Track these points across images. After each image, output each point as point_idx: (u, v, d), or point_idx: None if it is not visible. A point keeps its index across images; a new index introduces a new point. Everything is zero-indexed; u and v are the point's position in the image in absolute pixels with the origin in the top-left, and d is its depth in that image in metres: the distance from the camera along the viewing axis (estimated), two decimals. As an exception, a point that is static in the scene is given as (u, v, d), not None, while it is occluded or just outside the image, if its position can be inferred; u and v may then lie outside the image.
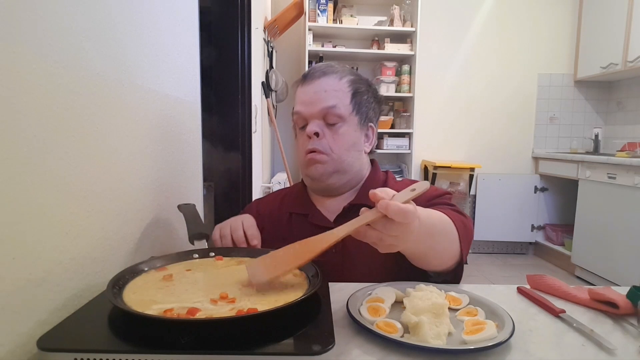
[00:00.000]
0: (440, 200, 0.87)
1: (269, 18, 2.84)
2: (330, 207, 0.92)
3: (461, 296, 0.66)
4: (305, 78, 0.89)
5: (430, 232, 0.68)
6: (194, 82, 1.11)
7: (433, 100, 3.59)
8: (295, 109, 0.89)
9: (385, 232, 0.54)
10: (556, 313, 0.63)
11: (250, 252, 0.73)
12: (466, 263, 0.81)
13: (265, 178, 2.77)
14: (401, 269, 0.79)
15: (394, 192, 0.55)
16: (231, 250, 0.73)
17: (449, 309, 0.61)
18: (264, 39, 2.53)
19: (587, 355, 0.53)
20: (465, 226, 0.78)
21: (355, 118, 0.87)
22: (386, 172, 0.98)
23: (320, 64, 0.93)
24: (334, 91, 0.85)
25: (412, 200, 0.55)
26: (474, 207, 3.63)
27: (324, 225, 0.87)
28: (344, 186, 0.91)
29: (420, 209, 0.65)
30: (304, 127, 0.88)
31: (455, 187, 3.54)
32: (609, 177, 2.76)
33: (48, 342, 0.42)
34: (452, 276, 0.79)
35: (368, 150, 0.93)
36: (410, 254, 0.73)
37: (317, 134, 0.84)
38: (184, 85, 1.02)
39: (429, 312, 0.57)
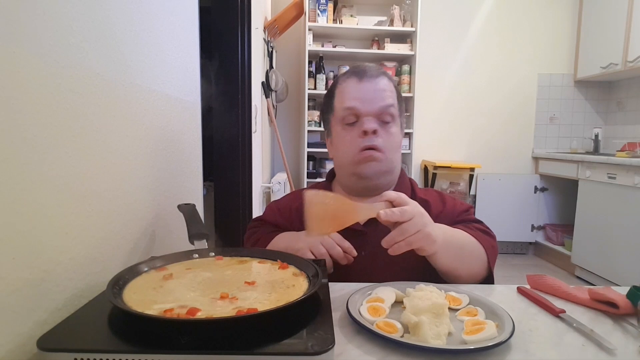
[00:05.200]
0: (466, 216, 0.91)
1: (269, 18, 2.84)
2: None
3: (461, 296, 0.66)
4: (363, 75, 0.88)
5: (459, 245, 0.77)
6: (194, 82, 1.11)
7: (433, 100, 3.59)
8: (347, 104, 0.87)
9: (401, 218, 0.65)
10: (556, 313, 0.63)
11: (252, 252, 0.73)
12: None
13: (265, 178, 2.77)
14: (431, 274, 0.81)
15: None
16: (231, 250, 0.73)
17: (449, 309, 0.61)
18: (264, 39, 2.53)
19: (587, 355, 0.53)
20: (492, 247, 0.84)
21: (399, 120, 0.90)
22: (410, 178, 0.99)
23: (370, 64, 0.93)
24: (390, 92, 0.88)
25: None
26: (474, 207, 3.63)
27: (355, 228, 0.86)
28: (385, 187, 0.90)
29: (446, 227, 0.76)
30: (353, 124, 0.87)
31: (455, 187, 3.54)
32: (609, 177, 2.76)
33: (48, 342, 0.42)
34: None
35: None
36: (440, 266, 0.76)
37: (374, 132, 0.85)
38: (184, 85, 1.02)
39: (429, 312, 0.57)
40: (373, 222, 0.87)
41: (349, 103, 0.86)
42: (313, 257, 0.77)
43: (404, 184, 0.95)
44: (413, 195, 0.94)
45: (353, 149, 0.86)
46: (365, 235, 0.87)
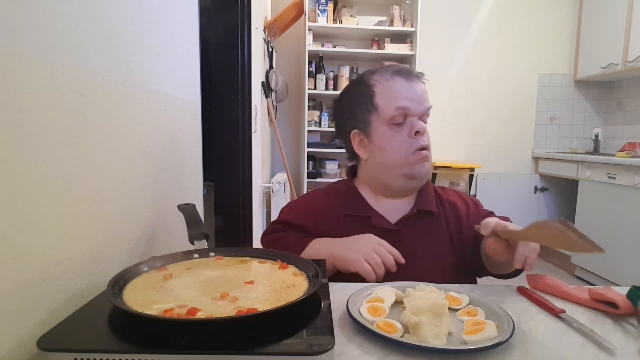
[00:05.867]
0: (485, 212, 0.96)
1: (269, 18, 2.84)
2: (389, 209, 0.90)
3: (461, 296, 0.66)
4: (410, 75, 0.88)
5: None
6: (194, 82, 1.11)
7: (433, 100, 3.53)
8: (399, 104, 0.85)
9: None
10: (556, 313, 0.63)
11: (251, 252, 0.73)
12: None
13: (265, 178, 2.77)
14: (461, 269, 0.84)
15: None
16: (231, 250, 0.73)
17: (449, 309, 0.61)
18: (264, 39, 2.53)
19: (587, 355, 0.53)
20: None
21: None
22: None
23: (404, 65, 0.92)
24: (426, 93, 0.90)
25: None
26: (474, 207, 3.63)
27: (386, 228, 0.87)
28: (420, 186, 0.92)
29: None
30: (400, 124, 0.86)
31: (455, 187, 3.53)
32: (609, 177, 2.76)
33: (48, 342, 0.42)
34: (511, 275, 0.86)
35: None
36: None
37: (423, 132, 0.86)
38: (184, 85, 1.02)
39: (429, 312, 0.57)
40: (405, 221, 0.88)
41: (402, 103, 0.85)
42: (369, 268, 0.74)
43: (429, 186, 0.95)
44: (437, 197, 0.94)
45: (405, 149, 0.85)
46: (399, 234, 0.87)
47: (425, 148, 0.86)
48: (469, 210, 0.94)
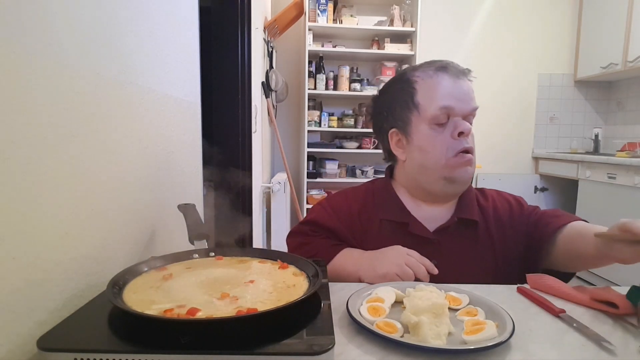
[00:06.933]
0: (532, 210, 0.89)
1: (269, 18, 2.84)
2: (428, 216, 0.86)
3: (461, 296, 0.66)
4: (456, 73, 0.82)
5: None
6: (194, 82, 1.11)
7: (433, 100, 3.57)
8: (443, 103, 0.79)
9: None
10: (556, 313, 0.63)
11: (251, 252, 0.73)
12: None
13: (265, 178, 2.77)
14: (498, 279, 0.80)
15: None
16: (231, 250, 0.73)
17: (449, 309, 0.61)
18: (264, 39, 2.53)
19: (587, 355, 0.53)
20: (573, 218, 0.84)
21: None
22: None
23: (450, 61, 0.84)
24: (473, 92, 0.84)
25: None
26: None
27: (424, 236, 0.83)
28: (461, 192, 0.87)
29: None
30: (443, 124, 0.80)
31: (455, 187, 3.53)
32: (609, 177, 2.76)
33: (48, 342, 0.42)
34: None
35: None
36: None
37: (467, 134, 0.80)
38: (184, 85, 1.02)
39: (429, 312, 0.57)
40: (445, 230, 0.84)
41: (445, 102, 0.79)
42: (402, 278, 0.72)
43: (470, 191, 0.90)
44: (477, 202, 0.89)
45: (447, 151, 0.79)
46: (437, 243, 0.83)
47: (469, 151, 0.80)
48: (512, 212, 0.88)
